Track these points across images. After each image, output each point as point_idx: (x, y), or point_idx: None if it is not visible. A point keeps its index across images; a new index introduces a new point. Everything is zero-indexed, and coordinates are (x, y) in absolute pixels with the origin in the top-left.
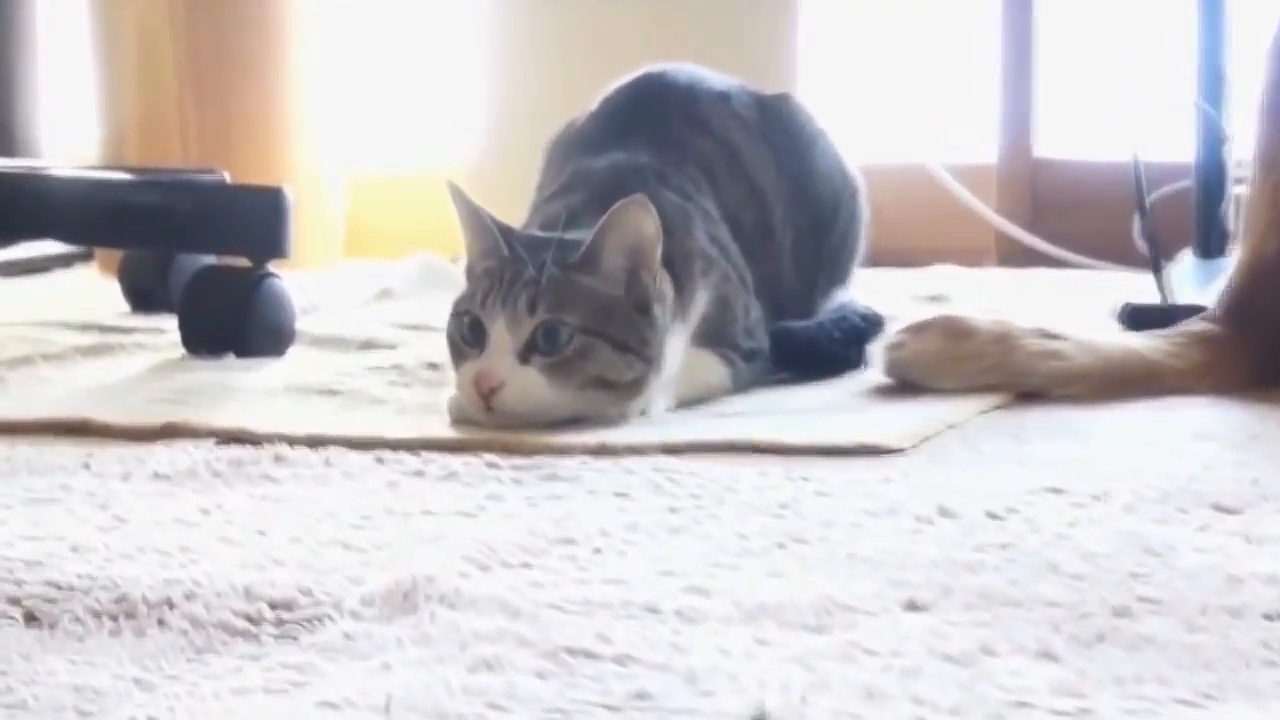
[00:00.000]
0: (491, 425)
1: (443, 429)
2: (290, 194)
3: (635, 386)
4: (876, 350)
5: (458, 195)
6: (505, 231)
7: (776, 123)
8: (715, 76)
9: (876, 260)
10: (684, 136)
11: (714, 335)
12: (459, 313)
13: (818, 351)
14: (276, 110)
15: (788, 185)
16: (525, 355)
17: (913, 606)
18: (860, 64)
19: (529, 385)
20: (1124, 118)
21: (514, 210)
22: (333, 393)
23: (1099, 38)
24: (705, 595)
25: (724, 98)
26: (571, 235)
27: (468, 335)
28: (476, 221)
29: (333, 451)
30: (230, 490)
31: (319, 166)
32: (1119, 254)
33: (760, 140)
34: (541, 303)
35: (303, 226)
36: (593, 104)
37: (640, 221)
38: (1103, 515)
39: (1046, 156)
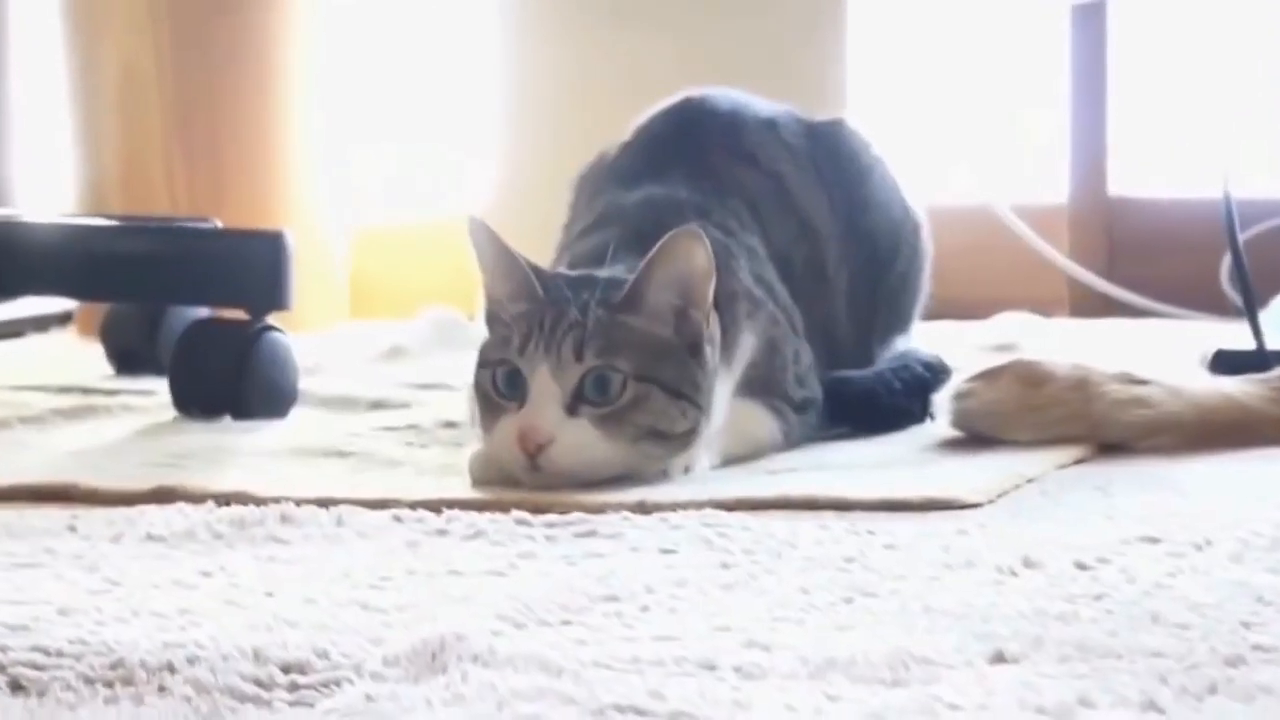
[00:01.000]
0: (536, 486)
1: (466, 489)
2: (291, 239)
3: (687, 438)
4: (942, 401)
5: (481, 231)
6: (538, 271)
7: (829, 151)
8: (760, 102)
9: (936, 312)
10: (727, 168)
11: (762, 385)
12: (490, 362)
13: (877, 403)
14: (273, 155)
15: (842, 221)
16: (574, 406)
17: (1000, 659)
18: (914, 94)
19: (580, 440)
20: (1210, 149)
21: (535, 256)
22: (342, 454)
23: (1179, 61)
24: (766, 650)
25: (770, 125)
26: (610, 274)
27: (503, 387)
28: (505, 260)
29: (345, 510)
30: (233, 551)
31: (320, 216)
32: (1205, 300)
33: (811, 171)
34: (590, 348)
35: (303, 283)
36: (626, 134)
37: (692, 254)
38: (1206, 564)
39: (1123, 194)
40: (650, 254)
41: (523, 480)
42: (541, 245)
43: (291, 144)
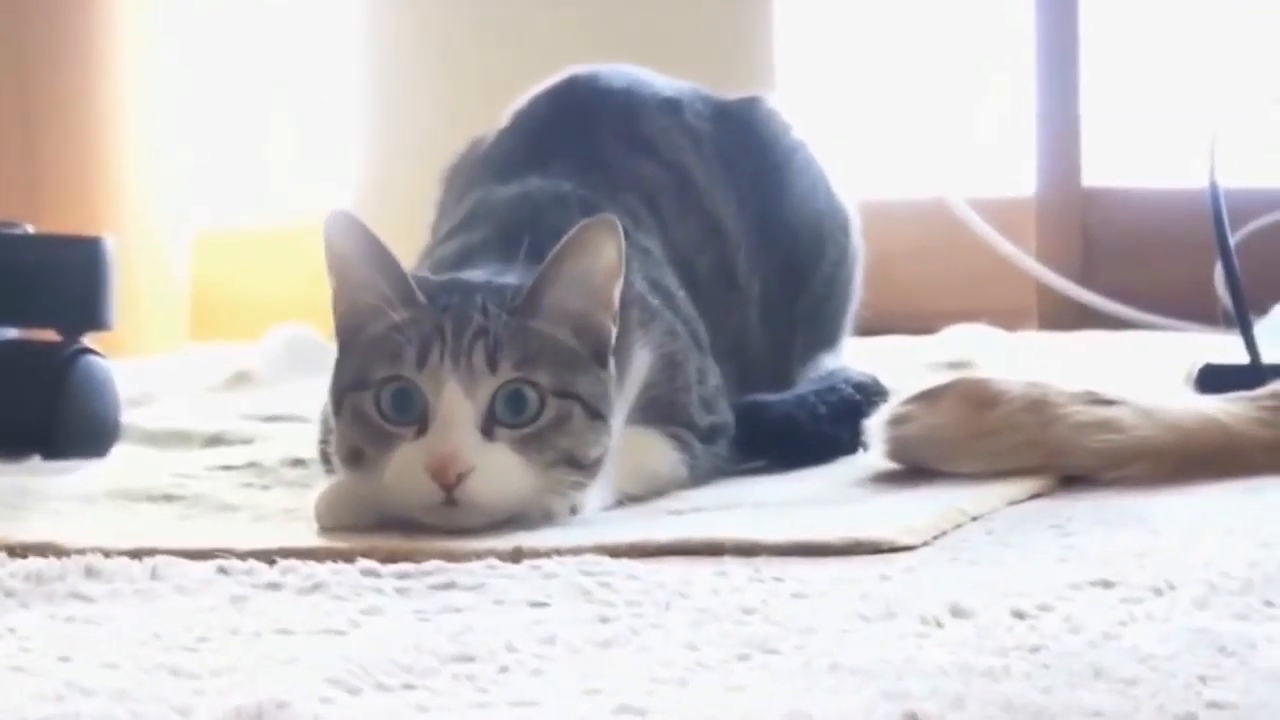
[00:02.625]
0: (450, 527)
1: (309, 536)
2: (111, 246)
3: (595, 468)
4: (875, 427)
5: (347, 226)
6: (413, 276)
7: (742, 136)
8: (661, 80)
9: (880, 326)
10: (619, 157)
11: (661, 410)
12: (370, 382)
13: (799, 430)
14: (99, 152)
15: (754, 217)
16: (488, 428)
17: None
18: (854, 70)
19: (501, 467)
20: (1196, 134)
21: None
22: (169, 498)
23: (1161, 34)
24: (640, 716)
25: (672, 107)
26: (487, 278)
27: (390, 410)
28: (378, 259)
29: (162, 562)
30: (26, 611)
31: (155, 221)
32: (1195, 309)
33: (718, 160)
34: (504, 358)
35: (132, 298)
36: (504, 118)
37: (602, 249)
38: (1164, 611)
39: (1099, 185)
40: (557, 248)
41: (432, 521)
42: (412, 239)
43: (122, 140)
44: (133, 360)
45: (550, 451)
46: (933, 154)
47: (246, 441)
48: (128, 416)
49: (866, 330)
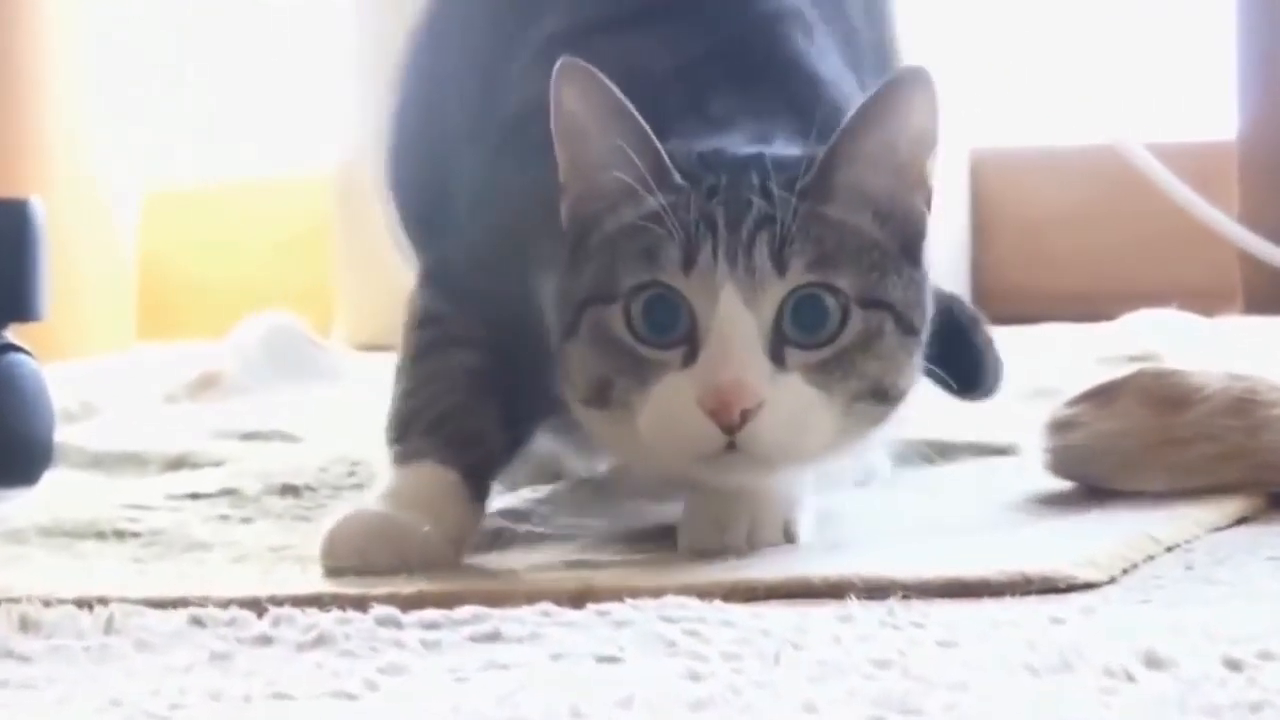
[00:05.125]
0: (727, 482)
1: (308, 581)
2: (40, 211)
3: (901, 403)
4: (1038, 432)
5: (586, 81)
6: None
7: None
8: None
9: (1036, 311)
10: None
11: None
12: (623, 291)
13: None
14: (28, 105)
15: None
16: (777, 349)
17: None
18: None
19: (796, 403)
20: None
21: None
22: (120, 535)
23: None
24: None
25: None
26: (771, 149)
27: (647, 329)
28: (624, 126)
29: (119, 612)
30: None
31: (92, 186)
32: None
33: None
34: (795, 256)
35: (69, 281)
36: None
37: (912, 110)
38: None
39: None
40: (857, 109)
41: (705, 475)
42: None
43: (59, 91)
44: (70, 362)
45: (855, 379)
46: (1098, 86)
47: (217, 464)
48: (64, 434)
49: (1017, 317)
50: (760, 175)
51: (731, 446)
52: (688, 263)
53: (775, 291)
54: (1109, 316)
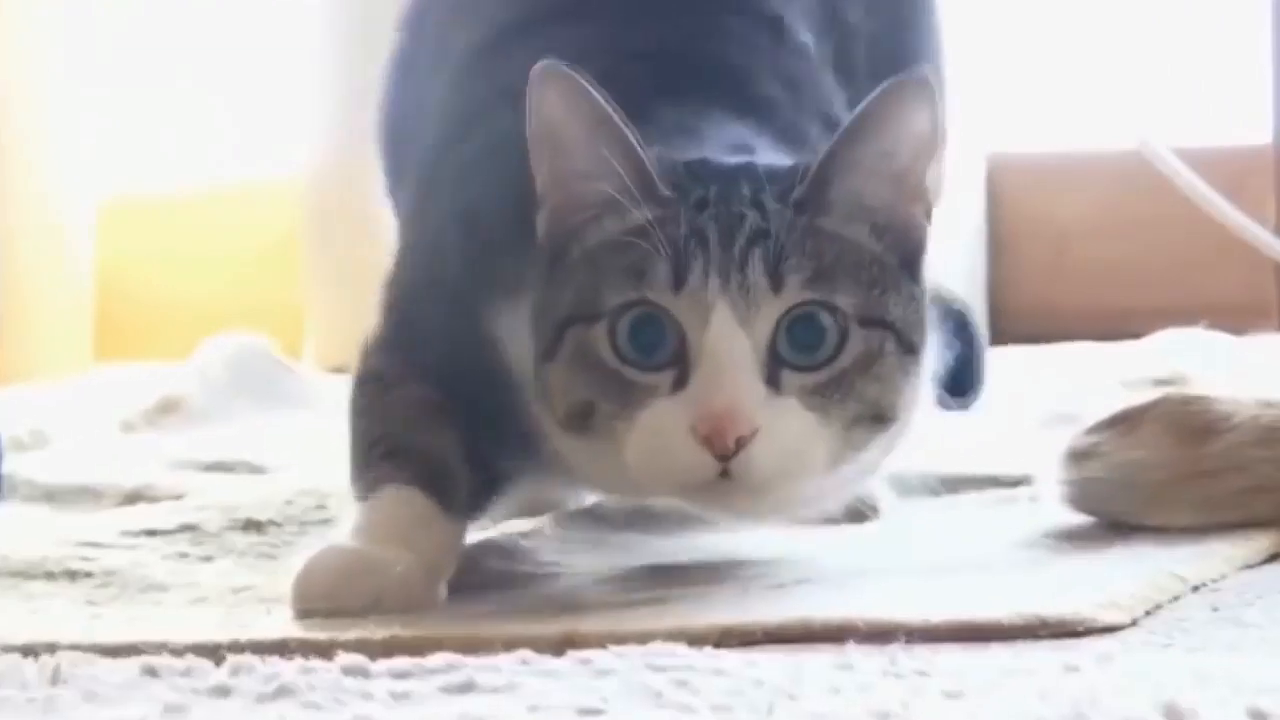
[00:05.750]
0: (723, 511)
1: (274, 624)
2: None
3: (903, 427)
4: (1055, 463)
5: (567, 86)
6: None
7: None
8: None
9: (1057, 329)
10: None
11: None
12: (607, 309)
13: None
14: None
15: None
16: (773, 372)
17: None
18: None
19: (795, 428)
20: None
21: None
22: (72, 575)
23: None
24: None
25: None
26: (761, 159)
27: (633, 350)
28: (608, 133)
29: (67, 661)
30: None
31: (45, 196)
32: None
33: None
34: (792, 271)
35: (18, 299)
36: None
37: (912, 117)
38: None
39: None
40: (854, 116)
41: (700, 503)
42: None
43: (6, 91)
44: (21, 386)
45: (854, 402)
46: (1124, 86)
47: (177, 497)
48: (13, 464)
49: (1036, 335)
50: (752, 186)
51: (725, 474)
52: (678, 280)
53: (770, 310)
54: (1134, 335)
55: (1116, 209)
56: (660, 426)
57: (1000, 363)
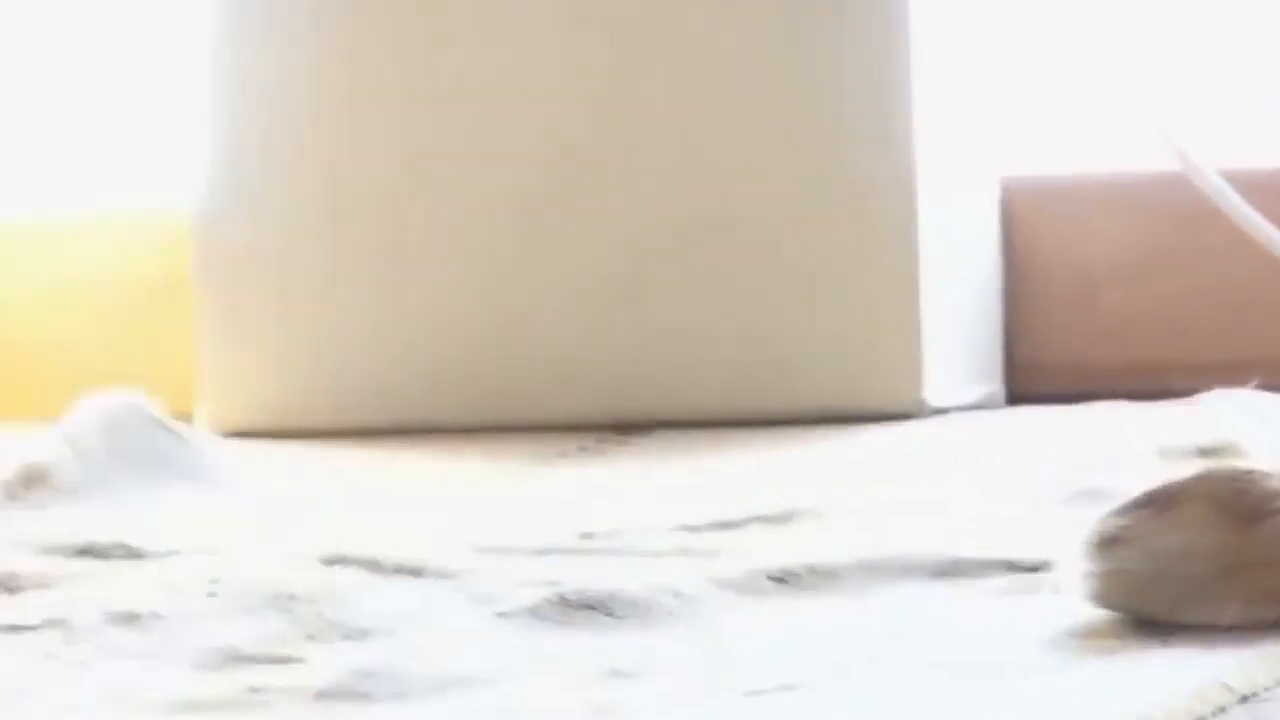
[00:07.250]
0: None
1: None
2: None
3: None
4: (1080, 550)
5: None
6: None
7: None
8: None
9: (1082, 386)
10: None
11: None
12: None
13: None
14: None
15: None
16: None
17: None
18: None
19: None
20: None
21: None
22: None
23: None
24: None
25: None
26: None
27: None
28: None
29: None
30: None
31: None
32: None
33: None
34: None
35: None
36: None
37: None
38: None
39: None
40: None
41: None
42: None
43: None
44: None
45: None
46: (1161, 98)
47: (43, 588)
48: None
49: (1059, 394)
50: None
51: None
52: None
53: None
54: (1175, 394)
55: (1155, 243)
56: None
57: (1017, 426)
